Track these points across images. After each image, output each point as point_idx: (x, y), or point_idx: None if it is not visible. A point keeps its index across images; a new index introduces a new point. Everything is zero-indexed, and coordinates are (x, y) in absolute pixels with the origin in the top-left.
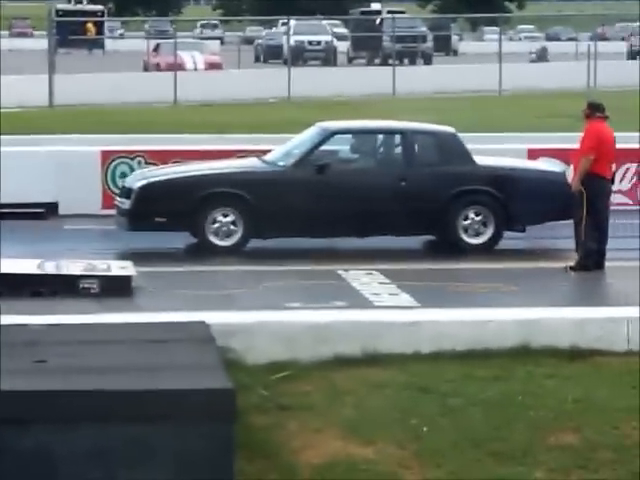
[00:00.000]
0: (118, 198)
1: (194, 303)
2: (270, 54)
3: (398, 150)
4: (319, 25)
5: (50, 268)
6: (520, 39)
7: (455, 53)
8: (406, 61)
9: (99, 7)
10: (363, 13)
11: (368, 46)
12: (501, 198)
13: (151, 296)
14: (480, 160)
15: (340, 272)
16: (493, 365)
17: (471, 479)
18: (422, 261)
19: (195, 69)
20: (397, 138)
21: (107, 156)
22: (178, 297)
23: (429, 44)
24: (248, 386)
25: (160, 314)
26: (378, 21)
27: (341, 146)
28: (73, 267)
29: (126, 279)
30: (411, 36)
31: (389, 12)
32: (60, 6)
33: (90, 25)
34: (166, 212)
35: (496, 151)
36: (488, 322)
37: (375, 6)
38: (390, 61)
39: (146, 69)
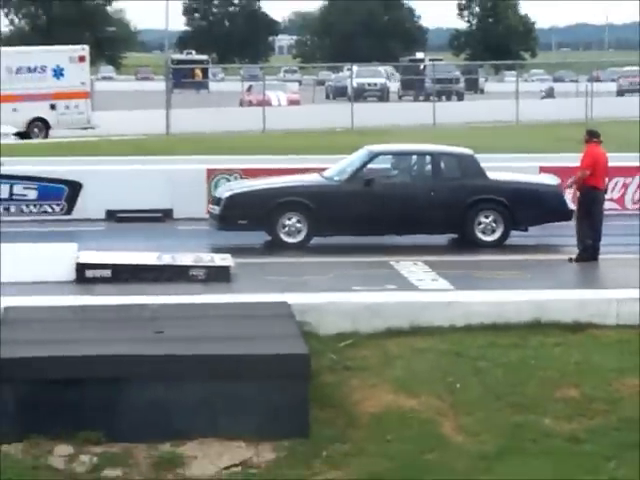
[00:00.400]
0: (211, 205)
1: (278, 287)
2: (337, 93)
3: (428, 167)
4: (375, 70)
5: (166, 259)
6: (533, 81)
7: (482, 92)
8: (443, 98)
9: (205, 57)
10: (410, 60)
11: (414, 86)
12: (508, 204)
13: (245, 282)
14: (492, 175)
15: (392, 263)
16: (512, 336)
17: (494, 425)
18: (455, 254)
19: (279, 105)
20: (427, 158)
21: (211, 173)
22: (266, 282)
23: (461, 85)
24: (320, 352)
25: (252, 295)
26: (422, 67)
27: (383, 165)
28: (184, 259)
29: (226, 268)
30: (447, 78)
31: (430, 60)
32: (174, 56)
33: (198, 71)
34: (247, 216)
35: (514, 168)
36: (508, 302)
37: (419, 55)
38: (431, 98)
39: (241, 105)
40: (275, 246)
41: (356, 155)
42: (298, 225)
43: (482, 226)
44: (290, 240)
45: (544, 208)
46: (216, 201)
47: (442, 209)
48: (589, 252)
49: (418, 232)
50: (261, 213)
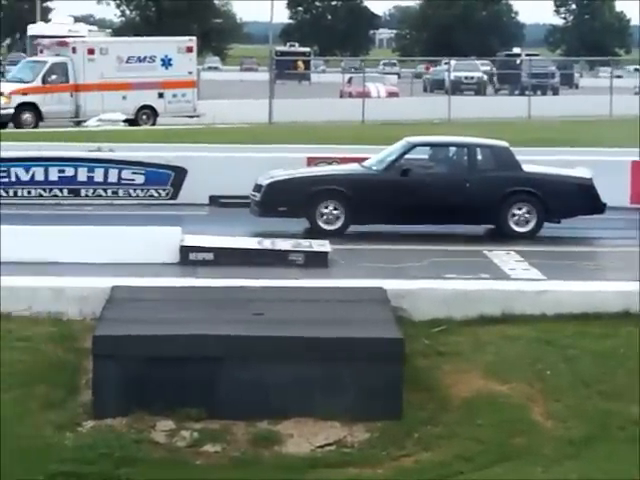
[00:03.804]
0: (252, 192)
1: (374, 273)
2: (435, 86)
3: (464, 159)
4: (473, 64)
5: (266, 244)
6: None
7: (576, 87)
8: (539, 92)
9: (307, 49)
10: (507, 55)
11: (510, 80)
12: (542, 197)
13: (342, 267)
14: (526, 167)
15: (485, 252)
16: (602, 325)
17: (583, 411)
18: (546, 244)
19: (378, 97)
20: (463, 150)
21: (311, 161)
22: (362, 269)
23: (557, 79)
24: (414, 336)
25: (348, 281)
26: (518, 61)
27: (421, 155)
28: (284, 244)
29: (324, 254)
30: (543, 73)
31: (527, 55)
32: (278, 48)
33: (300, 63)
34: (286, 203)
35: (606, 162)
36: (598, 292)
37: (516, 50)
38: (526, 92)
39: (341, 96)
40: (370, 234)
41: (395, 146)
42: (336, 213)
43: (516, 217)
44: (328, 227)
45: (577, 201)
46: (257, 188)
47: (477, 200)
48: None
49: (452, 222)
50: (300, 200)
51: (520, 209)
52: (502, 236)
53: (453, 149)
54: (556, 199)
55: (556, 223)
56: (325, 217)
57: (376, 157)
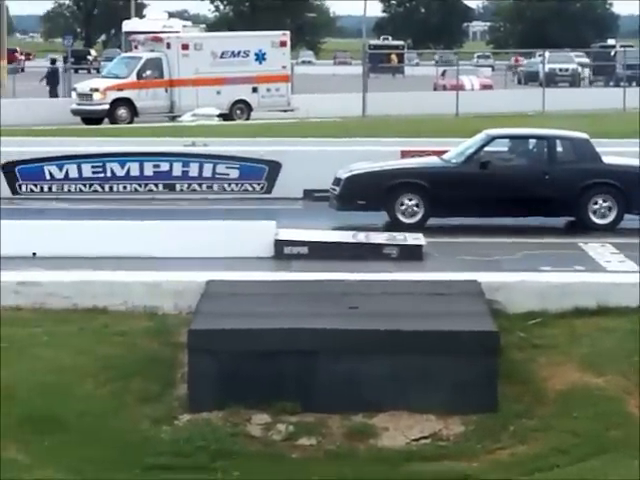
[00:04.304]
0: (331, 185)
1: (469, 266)
2: (529, 78)
3: (544, 151)
4: (567, 56)
5: (361, 238)
6: None
7: None
8: (634, 84)
9: (401, 42)
10: (602, 47)
11: (605, 72)
12: (622, 188)
13: (437, 260)
14: (607, 159)
15: (580, 244)
16: None
17: None
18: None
19: (472, 89)
20: (543, 142)
21: (405, 154)
22: (457, 261)
23: None
24: (509, 329)
25: (443, 274)
26: (613, 53)
27: (500, 147)
28: (378, 237)
29: (418, 247)
30: (638, 65)
31: (621, 46)
32: (372, 42)
33: (393, 56)
34: (365, 196)
35: None
36: None
37: (611, 41)
38: (621, 84)
39: (435, 89)
40: (465, 228)
41: (474, 138)
42: (415, 206)
43: (596, 209)
44: (407, 221)
45: None
46: (336, 182)
47: (556, 192)
48: None
49: (532, 215)
50: (379, 194)
51: (601, 201)
52: (583, 228)
53: (532, 141)
54: (636, 191)
55: (637, 215)
56: (404, 210)
57: (455, 150)
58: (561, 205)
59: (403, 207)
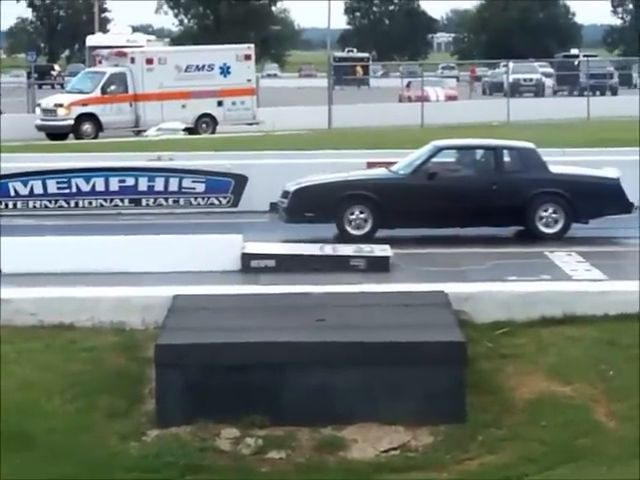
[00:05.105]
0: (280, 198)
1: (435, 277)
2: (494, 88)
3: (491, 161)
4: (531, 66)
5: (328, 250)
6: None
7: (635, 86)
8: (597, 93)
9: (365, 54)
10: (565, 57)
11: (568, 82)
12: (569, 197)
13: (404, 272)
14: (553, 168)
15: (547, 253)
16: None
17: None
18: (608, 245)
19: (437, 100)
20: (490, 152)
21: (371, 165)
22: (423, 272)
23: (615, 80)
24: (476, 339)
25: (410, 285)
26: (576, 63)
27: (447, 158)
28: (345, 249)
29: (385, 259)
30: (601, 74)
31: (585, 56)
32: (337, 54)
33: (359, 68)
34: (313, 209)
35: None
36: None
37: (574, 51)
38: (585, 93)
39: (400, 100)
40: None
41: (422, 150)
42: (363, 217)
43: (544, 219)
44: (356, 233)
45: (605, 201)
46: (284, 194)
47: (504, 202)
48: None
49: (480, 225)
50: (327, 206)
51: (548, 210)
52: (531, 237)
53: (480, 152)
54: (583, 200)
55: (584, 224)
56: (353, 222)
57: (403, 161)
58: (509, 215)
59: (352, 219)
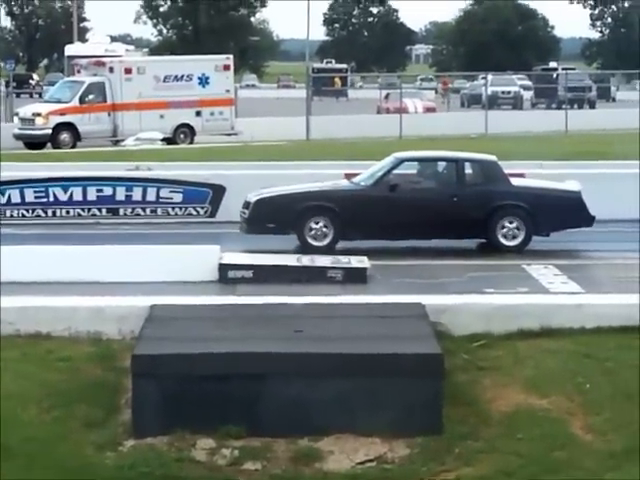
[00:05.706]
0: (241, 209)
1: (413, 289)
2: (472, 101)
3: (452, 173)
4: (509, 79)
5: (305, 261)
6: None
7: (614, 100)
8: (575, 106)
9: (344, 66)
10: (543, 69)
11: (547, 94)
12: (530, 210)
13: (381, 283)
14: (514, 181)
15: (524, 266)
16: None
17: (623, 425)
18: (586, 258)
19: (416, 112)
20: (451, 164)
21: (349, 176)
22: (401, 284)
23: (593, 93)
24: (453, 351)
25: (387, 297)
26: (555, 76)
27: (409, 170)
28: (323, 260)
29: (362, 270)
30: (580, 87)
31: (563, 69)
32: (315, 65)
33: (337, 79)
34: (274, 220)
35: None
36: (635, 305)
37: (552, 64)
38: (563, 106)
39: (379, 112)
40: (409, 250)
41: (383, 161)
42: (324, 229)
43: (504, 231)
44: (317, 244)
45: (566, 214)
46: (245, 205)
47: (465, 214)
48: None
49: (442, 237)
50: (288, 217)
51: (509, 223)
52: (492, 250)
53: (441, 164)
54: (544, 212)
55: (545, 236)
56: (313, 233)
57: (365, 173)
58: (470, 227)
59: (312, 230)
